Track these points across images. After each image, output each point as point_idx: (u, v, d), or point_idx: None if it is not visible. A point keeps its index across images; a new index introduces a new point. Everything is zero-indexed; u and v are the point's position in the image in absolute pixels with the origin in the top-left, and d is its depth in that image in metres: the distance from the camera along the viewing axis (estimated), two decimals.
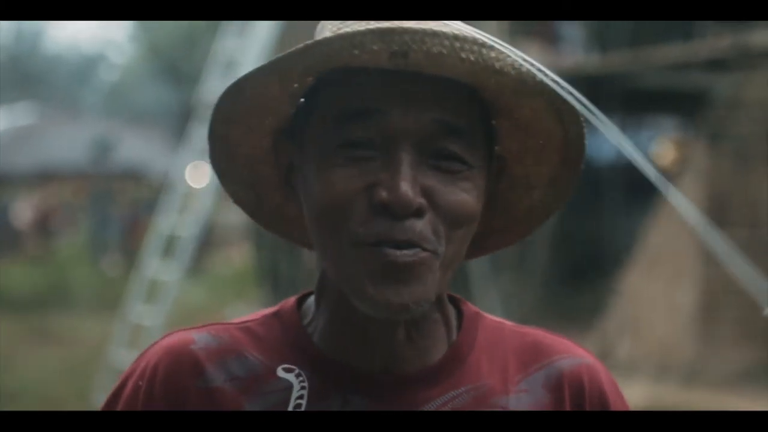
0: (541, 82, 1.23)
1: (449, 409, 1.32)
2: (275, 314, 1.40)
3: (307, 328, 1.37)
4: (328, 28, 1.31)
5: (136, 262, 11.18)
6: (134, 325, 9.40)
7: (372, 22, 1.26)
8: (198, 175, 10.13)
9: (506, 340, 1.40)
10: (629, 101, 11.08)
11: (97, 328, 12.73)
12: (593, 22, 11.89)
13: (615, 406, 1.38)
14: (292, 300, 1.41)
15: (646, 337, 9.91)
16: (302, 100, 1.31)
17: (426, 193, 1.24)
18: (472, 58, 1.21)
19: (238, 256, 20.78)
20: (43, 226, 24.17)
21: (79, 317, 14.81)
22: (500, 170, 1.35)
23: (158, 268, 9.54)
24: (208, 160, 1.39)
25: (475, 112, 1.28)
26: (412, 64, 1.21)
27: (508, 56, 1.22)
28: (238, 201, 1.43)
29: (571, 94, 1.23)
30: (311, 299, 1.39)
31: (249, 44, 9.81)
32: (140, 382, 1.35)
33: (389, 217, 1.23)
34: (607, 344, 9.88)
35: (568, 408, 1.35)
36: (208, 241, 18.46)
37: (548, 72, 1.24)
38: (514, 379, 1.36)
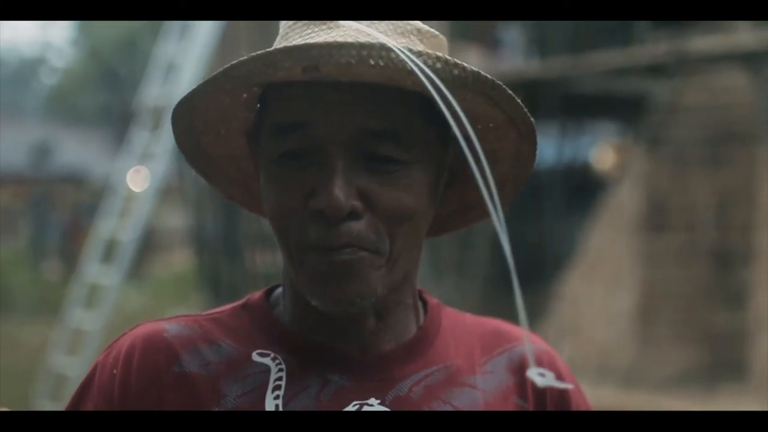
0: (459, 77, 1.24)
1: (424, 386, 1.36)
2: (243, 306, 1.42)
3: (278, 316, 1.39)
4: (279, 33, 1.35)
5: (76, 266, 11.09)
6: (74, 330, 9.31)
7: (327, 22, 1.29)
8: (139, 179, 10.06)
9: (468, 327, 1.46)
10: (569, 106, 11.14)
11: (36, 334, 12.62)
12: (533, 27, 11.93)
13: (572, 390, 1.46)
14: (258, 293, 1.43)
15: (585, 340, 9.98)
16: (258, 105, 1.34)
17: (362, 194, 1.26)
18: (381, 63, 1.21)
19: (178, 260, 20.66)
20: None
21: (18, 322, 14.68)
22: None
23: (98, 273, 9.46)
24: (186, 164, 1.43)
25: (407, 110, 1.29)
26: (326, 75, 1.23)
27: (420, 57, 1.22)
28: (231, 198, 1.49)
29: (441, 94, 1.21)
30: (279, 290, 1.42)
31: (190, 47, 9.76)
32: (115, 371, 1.35)
33: (325, 223, 1.25)
34: None
35: (529, 389, 1.41)
36: (148, 245, 18.33)
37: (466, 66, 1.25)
38: (480, 361, 1.42)
